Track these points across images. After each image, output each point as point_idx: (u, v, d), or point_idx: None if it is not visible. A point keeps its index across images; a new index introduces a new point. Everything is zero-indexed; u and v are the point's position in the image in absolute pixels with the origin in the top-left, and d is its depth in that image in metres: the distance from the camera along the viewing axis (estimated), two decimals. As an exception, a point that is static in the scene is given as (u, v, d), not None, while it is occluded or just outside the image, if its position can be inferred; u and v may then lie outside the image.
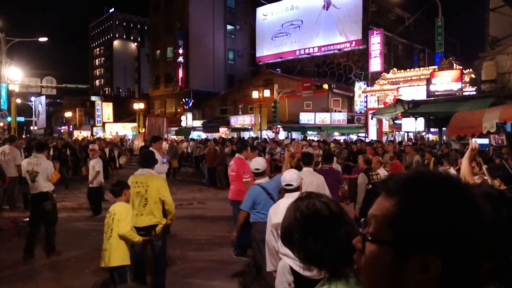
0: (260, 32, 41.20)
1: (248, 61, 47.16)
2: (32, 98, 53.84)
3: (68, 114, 58.14)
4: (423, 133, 18.68)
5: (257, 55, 41.49)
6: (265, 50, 40.34)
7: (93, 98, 54.08)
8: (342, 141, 20.28)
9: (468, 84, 19.22)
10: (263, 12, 40.79)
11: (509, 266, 1.32)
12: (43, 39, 29.94)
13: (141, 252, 5.11)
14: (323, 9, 35.15)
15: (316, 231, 1.50)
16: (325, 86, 26.41)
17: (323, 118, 28.53)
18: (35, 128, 55.13)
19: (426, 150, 12.06)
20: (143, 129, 15.54)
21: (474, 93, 17.79)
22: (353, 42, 33.04)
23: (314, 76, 34.21)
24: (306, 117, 29.14)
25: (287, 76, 33.72)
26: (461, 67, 19.81)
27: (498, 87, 16.22)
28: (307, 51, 36.65)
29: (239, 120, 33.58)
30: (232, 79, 46.83)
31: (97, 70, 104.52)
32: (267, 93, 28.03)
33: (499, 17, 17.40)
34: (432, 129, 19.81)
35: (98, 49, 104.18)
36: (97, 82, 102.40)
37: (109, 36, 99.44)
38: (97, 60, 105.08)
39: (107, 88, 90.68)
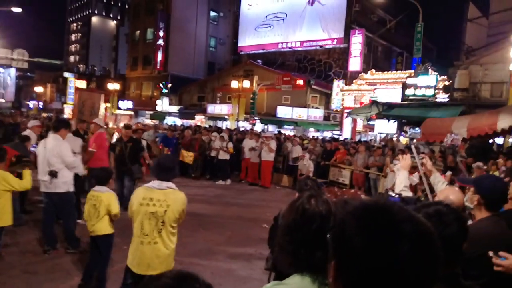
0: (243, 21, 40.80)
1: (229, 50, 46.73)
2: (1, 70, 51.88)
3: (39, 89, 56.28)
4: (395, 136, 19.00)
5: (239, 44, 41.10)
6: (248, 40, 40.02)
7: (66, 74, 52.45)
8: (317, 137, 20.38)
9: (441, 91, 19.63)
10: (248, 2, 40.31)
11: (453, 274, 1.59)
12: (17, 10, 28.78)
13: None
14: (308, 4, 35.01)
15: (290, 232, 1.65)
16: (300, 81, 26.50)
17: (300, 113, 28.60)
18: (2, 100, 53.34)
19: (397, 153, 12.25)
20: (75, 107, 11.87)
21: (447, 100, 18.19)
22: (335, 40, 33.12)
23: (295, 71, 34.19)
24: (283, 111, 29.14)
25: (268, 69, 33.57)
26: (437, 73, 20.19)
27: (469, 96, 16.66)
28: (289, 44, 36.56)
29: (217, 109, 33.32)
30: (212, 66, 46.33)
31: (73, 45, 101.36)
32: (246, 84, 27.91)
33: (475, 27, 17.81)
34: (403, 132, 20.18)
35: (75, 24, 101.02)
36: (71, 58, 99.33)
37: (87, 12, 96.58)
38: (73, 35, 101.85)
39: (82, 65, 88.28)
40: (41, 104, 54.00)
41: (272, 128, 29.50)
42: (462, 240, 1.67)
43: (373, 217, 0.90)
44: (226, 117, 30.88)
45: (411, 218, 0.90)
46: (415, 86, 18.90)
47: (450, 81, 18.62)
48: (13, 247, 6.19)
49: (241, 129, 23.23)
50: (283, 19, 37.19)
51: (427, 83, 18.93)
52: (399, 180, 3.51)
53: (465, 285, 1.65)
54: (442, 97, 19.08)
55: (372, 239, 0.85)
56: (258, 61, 36.33)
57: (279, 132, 22.74)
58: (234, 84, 28.33)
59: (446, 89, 19.19)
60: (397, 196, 2.99)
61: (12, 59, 34.60)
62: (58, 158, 5.99)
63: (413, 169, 4.09)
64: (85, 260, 5.67)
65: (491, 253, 2.18)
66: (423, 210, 1.71)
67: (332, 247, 0.95)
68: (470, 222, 2.72)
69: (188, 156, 13.82)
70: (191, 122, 32.83)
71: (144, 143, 11.11)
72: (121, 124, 21.52)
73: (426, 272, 0.85)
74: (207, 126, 25.89)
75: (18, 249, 6.15)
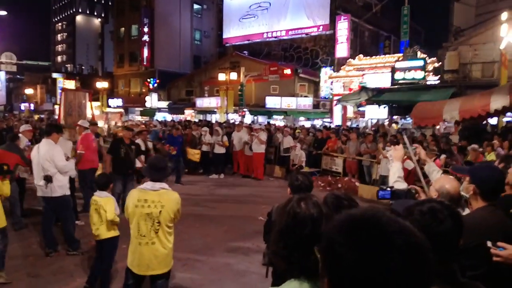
0: (227, 13, 40.49)
1: (215, 42, 46.35)
2: (-10, 73, 51.52)
3: (29, 91, 56.01)
4: (386, 121, 18.97)
5: (224, 36, 40.83)
6: (233, 32, 39.74)
7: (54, 75, 52.14)
8: (310, 126, 20.33)
9: (431, 73, 19.60)
10: (231, -8, 40.06)
11: (450, 271, 1.57)
12: (1, 13, 28.67)
13: None
14: (291, -8, 34.86)
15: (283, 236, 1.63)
16: (287, 71, 26.34)
17: (289, 102, 28.54)
18: (-6, 104, 52.97)
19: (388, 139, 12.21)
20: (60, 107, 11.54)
21: (437, 82, 18.17)
22: (321, 27, 32.98)
23: (281, 60, 34.04)
24: (272, 101, 29.07)
25: (254, 59, 33.41)
26: (425, 56, 20.13)
27: (459, 77, 16.64)
28: (274, 34, 36.37)
29: (205, 103, 33.17)
30: (198, 60, 46.02)
31: (59, 46, 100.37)
32: (233, 75, 27.75)
33: (463, 8, 17.75)
34: (394, 117, 20.19)
35: (60, 24, 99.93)
36: (59, 58, 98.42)
37: (71, 11, 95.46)
38: (59, 35, 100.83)
39: (69, 65, 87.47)
40: (32, 106, 53.63)
41: (262, 119, 29.43)
42: (457, 236, 1.66)
43: (362, 231, 0.89)
44: (215, 110, 30.72)
45: (401, 229, 0.89)
46: (404, 70, 18.86)
47: (440, 63, 18.58)
48: (15, 250, 6.19)
49: (231, 121, 23.13)
50: (267, 9, 36.95)
51: (416, 66, 18.88)
52: (393, 172, 3.51)
53: (462, 282, 1.63)
54: (432, 79, 19.05)
55: (363, 253, 0.85)
56: (244, 52, 36.13)
57: (269, 123, 22.64)
58: (221, 76, 28.17)
59: (436, 71, 19.15)
60: (388, 189, 2.96)
61: (0, 63, 34.49)
62: (51, 162, 6.00)
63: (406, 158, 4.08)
64: (87, 261, 5.76)
65: (489, 244, 2.15)
66: (417, 208, 1.71)
67: (323, 264, 0.95)
68: (467, 210, 2.71)
69: (194, 154, 13.68)
70: (181, 117, 32.68)
71: (150, 144, 10.86)
72: (113, 123, 21.33)
73: (418, 282, 0.85)
74: (196, 120, 25.76)
75: (20, 253, 6.19)
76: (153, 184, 3.84)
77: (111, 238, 4.86)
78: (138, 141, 10.18)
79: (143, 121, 26.59)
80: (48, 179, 5.92)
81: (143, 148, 10.01)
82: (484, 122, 11.92)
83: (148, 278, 3.97)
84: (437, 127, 11.21)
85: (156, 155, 6.77)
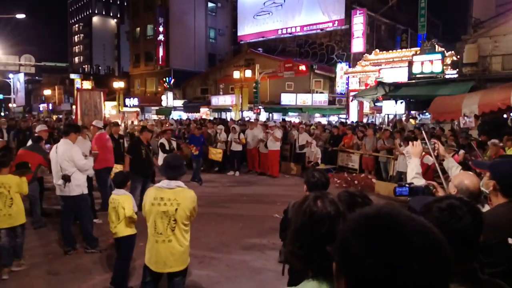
0: (241, 10, 40.53)
1: (229, 40, 46.54)
2: (10, 75, 52.62)
3: (47, 92, 57.01)
4: (403, 116, 18.67)
5: (239, 34, 40.90)
6: (247, 29, 39.76)
7: (72, 76, 52.96)
8: (326, 123, 20.18)
9: (449, 67, 19.23)
10: (245, -10, 40.06)
11: (469, 268, 1.53)
12: (20, 16, 29.15)
13: None
14: (305, -13, 34.68)
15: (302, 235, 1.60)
16: (302, 67, 26.20)
17: (304, 99, 28.43)
18: (14, 105, 54.09)
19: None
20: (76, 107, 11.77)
21: (456, 75, 17.81)
22: (336, 22, 32.75)
23: (296, 56, 33.93)
24: (287, 98, 28.99)
25: (269, 56, 33.36)
26: (443, 49, 19.76)
27: (479, 70, 16.25)
28: (289, 30, 36.28)
29: (220, 101, 33.24)
30: (213, 58, 46.19)
31: (76, 47, 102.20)
32: (248, 73, 27.74)
33: (483, -1, 17.30)
34: (412, 112, 19.88)
35: (77, 25, 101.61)
36: (76, 59, 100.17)
37: (88, 12, 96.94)
38: (76, 36, 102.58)
39: (86, 66, 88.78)
40: (50, 107, 54.59)
41: (277, 116, 29.36)
42: (477, 233, 1.61)
43: (377, 230, 0.87)
44: (230, 108, 30.76)
45: (420, 228, 0.88)
46: (422, 63, 18.54)
47: (458, 56, 18.19)
48: (35, 248, 6.33)
49: (246, 119, 23.11)
50: (281, 5, 36.86)
51: (434, 59, 18.55)
52: (411, 168, 3.46)
53: (482, 279, 1.59)
54: (451, 73, 18.68)
55: (380, 254, 0.83)
56: (259, 49, 36.10)
57: (284, 120, 22.55)
58: (236, 74, 28.17)
59: (454, 64, 18.75)
60: (406, 186, 2.90)
61: (20, 65, 35.26)
62: (69, 162, 6.09)
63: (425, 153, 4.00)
64: (105, 259, 5.86)
65: (511, 241, 2.10)
66: (435, 205, 1.67)
67: (338, 264, 0.94)
68: (487, 206, 2.65)
69: (216, 154, 13.62)
70: (196, 115, 32.82)
71: (174, 143, 10.86)
72: (129, 122, 21.46)
73: (436, 280, 0.84)
74: (211, 118, 25.83)
75: (40, 251, 6.29)
76: (168, 182, 3.87)
77: (128, 236, 4.90)
78: (162, 140, 10.25)
79: (160, 119, 26.73)
80: (66, 178, 6.01)
81: (167, 147, 10.03)
82: (505, 116, 11.65)
83: (165, 275, 4.02)
84: (456, 122, 10.92)
85: (172, 153, 6.71)
